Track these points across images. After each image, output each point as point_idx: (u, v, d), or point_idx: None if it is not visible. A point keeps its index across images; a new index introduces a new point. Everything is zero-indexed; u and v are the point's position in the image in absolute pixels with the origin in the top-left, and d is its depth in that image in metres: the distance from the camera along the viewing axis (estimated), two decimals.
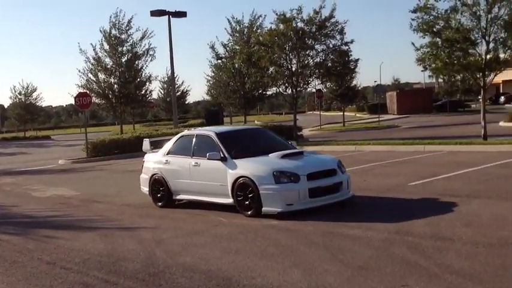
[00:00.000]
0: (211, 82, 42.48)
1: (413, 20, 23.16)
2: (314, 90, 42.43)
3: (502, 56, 24.02)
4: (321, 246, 7.21)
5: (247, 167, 9.46)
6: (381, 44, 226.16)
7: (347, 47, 31.04)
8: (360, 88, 48.99)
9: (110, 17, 35.94)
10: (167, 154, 11.17)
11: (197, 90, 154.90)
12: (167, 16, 32.67)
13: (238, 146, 10.33)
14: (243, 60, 31.97)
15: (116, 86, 36.88)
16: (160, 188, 11.18)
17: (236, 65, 34.66)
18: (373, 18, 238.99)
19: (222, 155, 9.84)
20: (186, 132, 11.58)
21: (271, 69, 30.74)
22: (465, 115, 46.81)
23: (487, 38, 22.64)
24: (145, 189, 11.70)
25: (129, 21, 35.99)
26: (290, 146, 10.86)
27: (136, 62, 36.90)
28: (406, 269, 5.95)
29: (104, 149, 27.20)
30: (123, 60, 36.42)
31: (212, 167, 9.98)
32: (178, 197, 11.04)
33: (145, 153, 12.13)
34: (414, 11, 23.02)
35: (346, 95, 43.66)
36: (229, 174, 9.60)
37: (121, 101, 37.19)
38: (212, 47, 37.52)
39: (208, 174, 10.08)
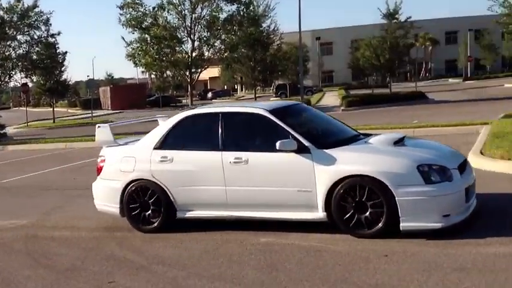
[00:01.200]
0: None
1: (121, 15, 23.30)
2: (19, 84, 39.42)
3: (206, 54, 26.02)
4: (23, 253, 6.63)
5: (361, 159, 6.11)
6: (93, 38, 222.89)
7: (54, 39, 29.85)
8: (71, 82, 47.21)
9: None
10: (161, 148, 7.06)
11: None
12: None
13: (308, 129, 6.96)
14: None
15: None
16: (149, 201, 7.04)
17: None
18: (84, 11, 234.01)
19: (299, 144, 6.27)
20: (196, 111, 7.33)
21: None
22: (177, 110, 49.32)
23: (192, 36, 24.21)
24: (110, 205, 7.33)
25: None
26: (352, 129, 7.61)
27: None
28: (114, 265, 5.84)
29: None
30: None
31: (279, 163, 6.38)
32: (189, 215, 6.97)
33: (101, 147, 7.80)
34: (122, 7, 23.18)
35: (56, 89, 41.60)
36: (322, 173, 6.13)
37: None
38: None
39: (270, 176, 6.45)
